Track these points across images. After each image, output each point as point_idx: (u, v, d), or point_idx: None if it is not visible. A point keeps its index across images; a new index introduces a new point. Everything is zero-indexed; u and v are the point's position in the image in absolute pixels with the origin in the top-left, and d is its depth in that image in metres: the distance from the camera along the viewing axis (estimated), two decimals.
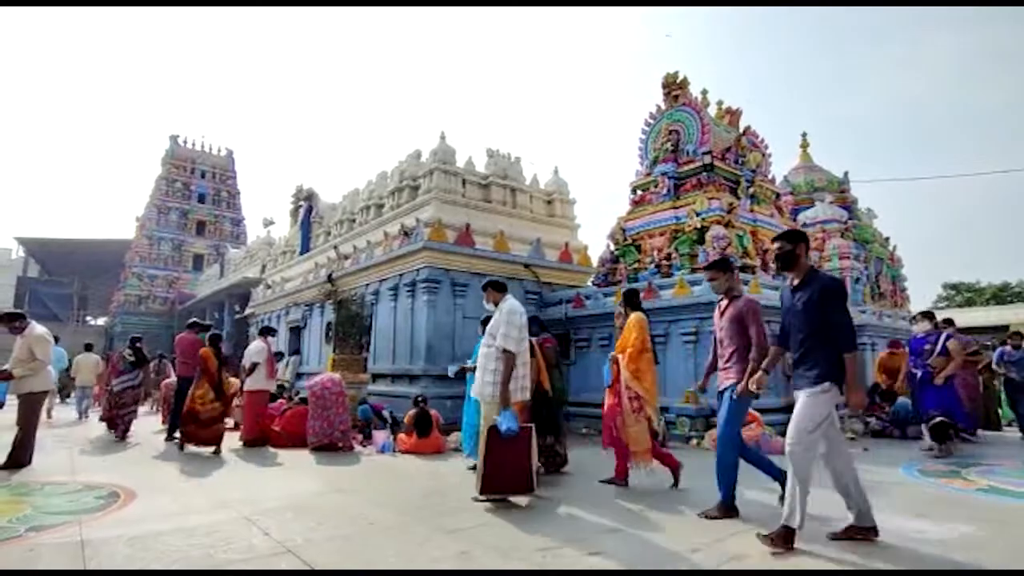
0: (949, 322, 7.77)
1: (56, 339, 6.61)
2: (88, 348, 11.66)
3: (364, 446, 7.24)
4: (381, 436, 7.25)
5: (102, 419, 8.63)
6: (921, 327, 6.98)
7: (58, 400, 12.71)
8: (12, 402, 5.99)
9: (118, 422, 7.94)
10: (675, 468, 4.70)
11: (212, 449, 6.67)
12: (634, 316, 4.90)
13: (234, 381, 7.71)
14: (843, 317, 3.16)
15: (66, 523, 3.51)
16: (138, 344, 8.66)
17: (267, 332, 7.99)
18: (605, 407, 4.83)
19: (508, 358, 4.12)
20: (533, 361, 4.82)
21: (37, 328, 5.79)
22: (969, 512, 3.92)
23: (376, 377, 10.43)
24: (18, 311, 5.95)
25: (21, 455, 5.44)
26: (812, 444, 3.08)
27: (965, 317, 9.52)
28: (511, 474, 4.06)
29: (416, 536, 3.34)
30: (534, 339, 5.12)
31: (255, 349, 7.59)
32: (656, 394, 4.87)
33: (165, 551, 2.99)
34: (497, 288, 4.61)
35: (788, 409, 7.15)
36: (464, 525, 3.58)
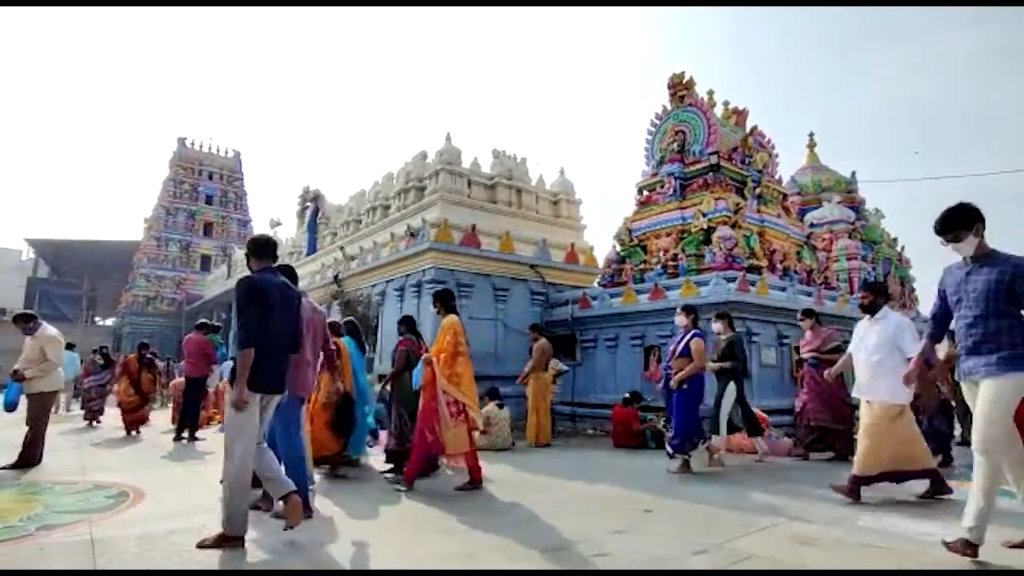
0: (808, 313, 6.71)
1: (71, 345, 6.71)
2: (70, 347, 11.94)
3: (371, 446, 7.26)
4: (386, 436, 7.26)
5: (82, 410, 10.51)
6: (679, 320, 5.85)
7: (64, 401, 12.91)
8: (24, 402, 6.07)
9: (89, 411, 10.07)
10: (476, 482, 4.61)
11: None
12: (447, 319, 4.80)
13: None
14: None
15: (76, 522, 3.54)
16: (105, 350, 10.90)
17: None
18: (419, 409, 4.72)
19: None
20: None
21: (49, 329, 5.86)
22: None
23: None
24: (30, 312, 6.04)
25: (31, 454, 5.50)
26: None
27: None
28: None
29: (422, 535, 3.34)
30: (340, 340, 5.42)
31: None
32: (475, 394, 4.81)
33: (174, 550, 3.01)
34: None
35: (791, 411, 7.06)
36: (468, 525, 3.58)
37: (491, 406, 7.43)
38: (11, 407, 6.00)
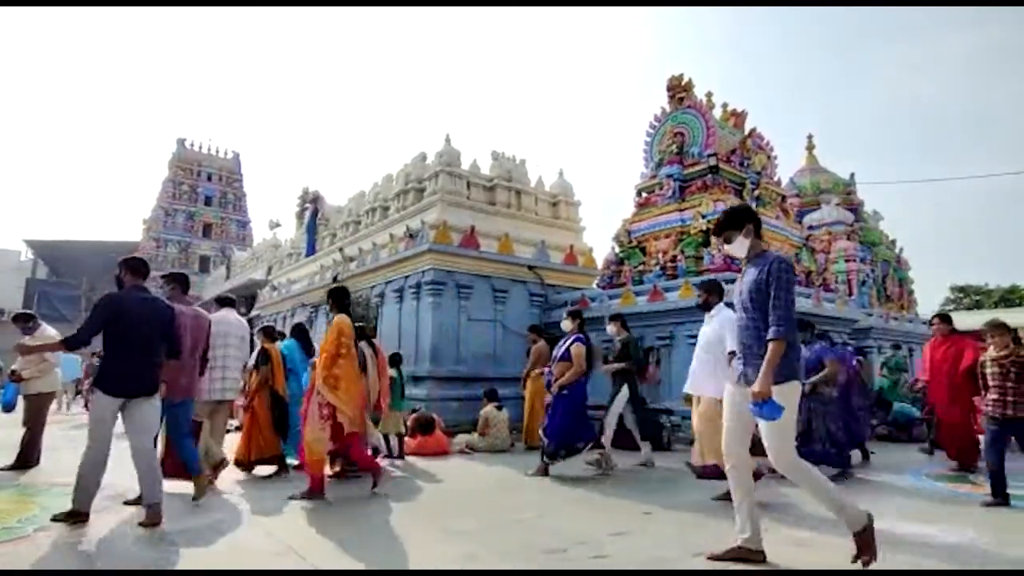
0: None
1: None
2: None
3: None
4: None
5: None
6: (565, 325, 5.80)
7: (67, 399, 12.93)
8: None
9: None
10: (316, 492, 4.31)
11: None
12: (337, 318, 4.56)
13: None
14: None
15: (73, 523, 3.54)
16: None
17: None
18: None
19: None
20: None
21: (47, 330, 5.86)
22: (977, 517, 3.90)
23: None
24: (29, 312, 6.05)
25: (29, 455, 5.49)
26: None
27: (973, 320, 9.46)
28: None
29: (421, 537, 3.34)
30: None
31: None
32: (357, 402, 4.51)
33: (171, 551, 3.01)
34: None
35: None
36: (468, 527, 3.58)
37: (489, 408, 7.43)
38: (9, 407, 6.00)
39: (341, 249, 13.07)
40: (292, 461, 5.39)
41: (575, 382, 5.45)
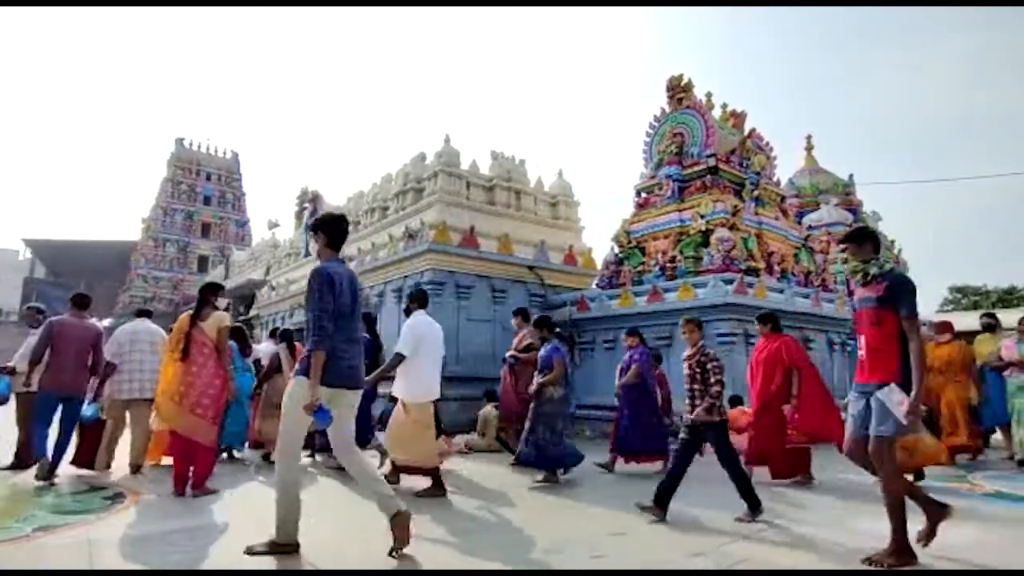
0: (519, 312, 6.83)
1: None
2: None
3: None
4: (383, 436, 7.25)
5: None
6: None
7: None
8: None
9: None
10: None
11: None
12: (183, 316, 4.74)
13: None
14: None
15: (73, 523, 3.53)
16: None
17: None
18: None
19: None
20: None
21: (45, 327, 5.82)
22: (975, 517, 3.90)
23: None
24: (40, 306, 6.09)
25: (26, 455, 5.46)
26: None
27: (971, 320, 9.47)
28: None
29: (421, 536, 3.34)
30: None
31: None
32: (176, 399, 4.37)
33: (171, 551, 3.00)
34: None
35: None
36: (467, 526, 3.58)
37: (489, 408, 7.42)
38: (2, 400, 6.00)
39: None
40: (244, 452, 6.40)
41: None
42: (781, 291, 8.80)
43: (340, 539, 3.32)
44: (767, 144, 11.04)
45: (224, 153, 37.08)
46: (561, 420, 5.20)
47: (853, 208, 15.11)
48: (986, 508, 4.24)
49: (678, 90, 10.90)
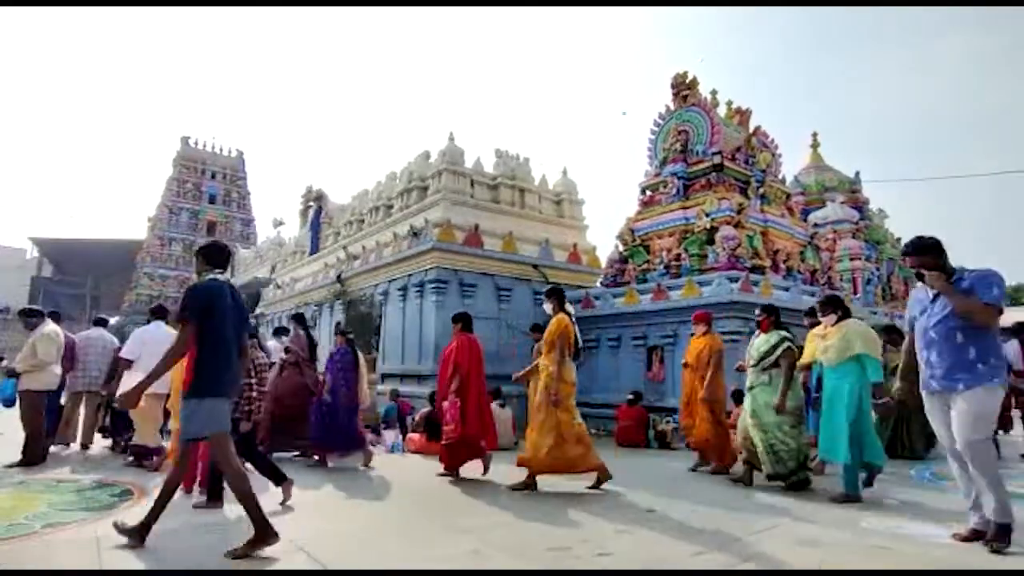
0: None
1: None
2: None
3: (374, 444, 7.27)
4: (391, 435, 7.28)
5: None
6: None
7: None
8: None
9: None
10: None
11: None
12: None
13: None
14: None
15: (81, 520, 3.55)
16: None
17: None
18: None
19: None
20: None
21: (46, 327, 5.79)
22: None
23: (385, 377, 10.46)
24: (35, 307, 6.05)
25: (33, 452, 5.50)
26: None
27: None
28: None
29: (428, 535, 3.35)
30: None
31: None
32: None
33: (178, 548, 3.02)
34: None
35: None
36: (475, 525, 3.58)
37: (493, 406, 7.42)
38: (9, 403, 6.04)
39: (345, 247, 13.09)
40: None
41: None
42: (787, 289, 8.76)
43: (341, 539, 3.33)
44: (772, 141, 10.99)
45: (229, 152, 37.16)
46: None
47: (859, 206, 15.04)
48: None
49: (683, 87, 10.86)
